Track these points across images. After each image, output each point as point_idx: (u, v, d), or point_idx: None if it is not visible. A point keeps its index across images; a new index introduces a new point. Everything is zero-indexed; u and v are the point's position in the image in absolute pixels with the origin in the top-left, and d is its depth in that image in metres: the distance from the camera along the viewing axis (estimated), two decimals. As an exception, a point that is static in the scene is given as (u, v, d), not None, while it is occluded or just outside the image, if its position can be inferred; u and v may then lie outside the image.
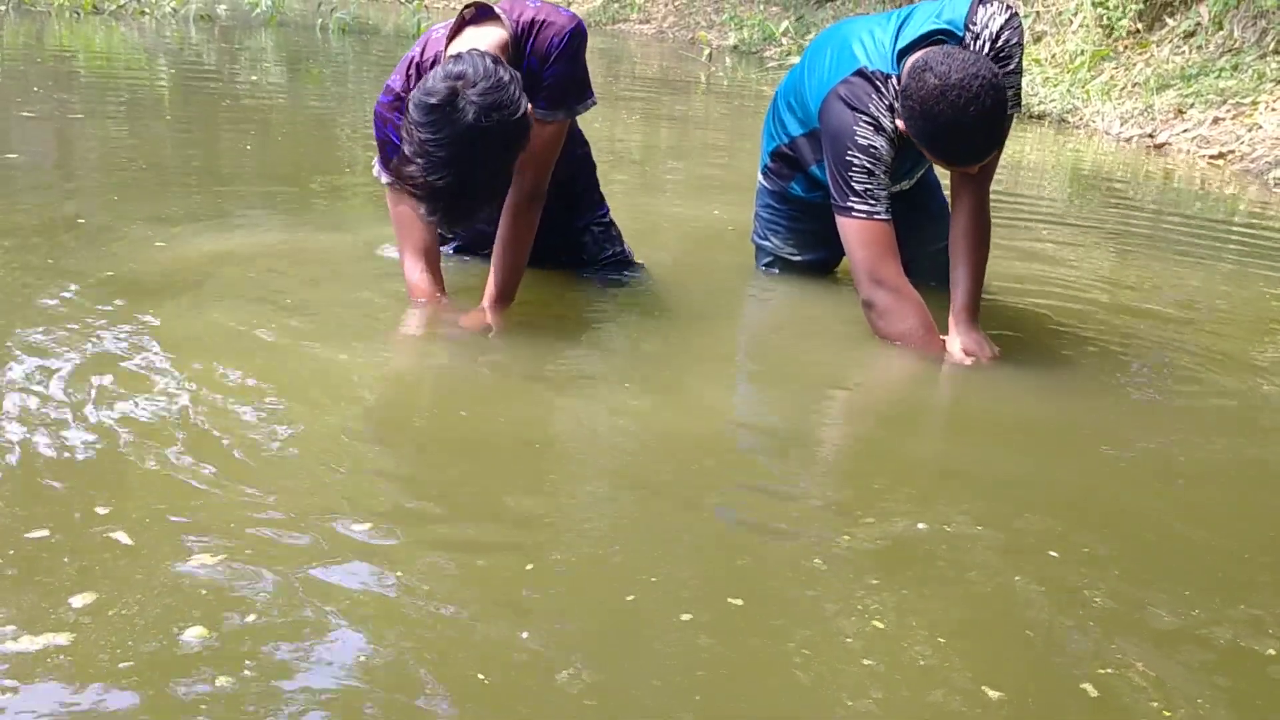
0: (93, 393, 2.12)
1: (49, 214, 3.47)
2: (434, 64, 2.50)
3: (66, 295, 2.65)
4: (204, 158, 4.85)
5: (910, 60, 2.58)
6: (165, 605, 1.48)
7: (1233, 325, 3.27)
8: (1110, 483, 2.17)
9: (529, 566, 1.66)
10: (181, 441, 1.96)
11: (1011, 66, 2.65)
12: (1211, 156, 6.49)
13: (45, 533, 1.64)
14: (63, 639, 1.39)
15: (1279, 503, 2.14)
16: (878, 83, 2.64)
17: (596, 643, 1.51)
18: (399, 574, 1.61)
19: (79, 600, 1.47)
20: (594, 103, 2.72)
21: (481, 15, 2.54)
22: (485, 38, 2.48)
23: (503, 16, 2.52)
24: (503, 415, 2.26)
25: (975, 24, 2.63)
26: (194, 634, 1.42)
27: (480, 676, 1.40)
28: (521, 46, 2.53)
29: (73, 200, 3.72)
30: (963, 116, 2.43)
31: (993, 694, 1.46)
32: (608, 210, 3.22)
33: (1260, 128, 6.47)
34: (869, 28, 2.74)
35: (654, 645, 1.52)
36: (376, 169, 2.74)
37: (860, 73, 2.67)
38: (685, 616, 1.58)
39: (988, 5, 2.65)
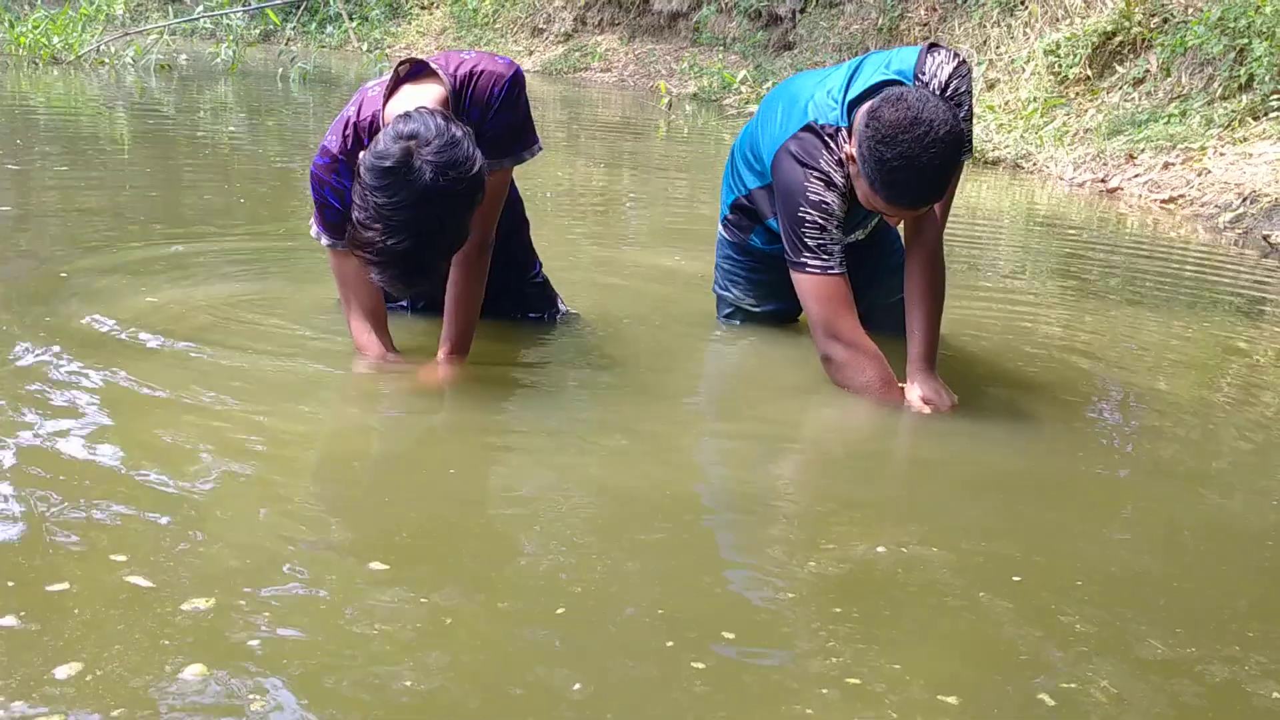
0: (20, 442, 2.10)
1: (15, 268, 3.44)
2: (371, 123, 2.44)
3: (23, 348, 2.62)
4: (163, 208, 4.82)
5: (866, 105, 2.58)
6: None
7: (1187, 369, 3.33)
8: (1069, 519, 2.21)
9: (502, 606, 1.66)
10: (123, 497, 1.93)
11: (962, 113, 2.68)
12: (1163, 201, 6.61)
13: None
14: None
15: (1235, 542, 2.17)
16: (827, 137, 2.67)
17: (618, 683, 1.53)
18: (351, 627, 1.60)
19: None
20: (540, 148, 2.69)
21: (417, 71, 2.49)
22: (425, 95, 2.42)
23: (439, 71, 2.47)
24: (463, 471, 2.25)
25: (925, 73, 2.66)
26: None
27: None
28: (461, 99, 2.49)
29: (29, 256, 3.69)
30: (921, 156, 2.42)
31: (950, 700, 1.51)
32: (540, 266, 3.22)
33: (1209, 172, 6.60)
34: (818, 81, 2.77)
35: (660, 684, 1.54)
36: (315, 231, 2.66)
37: (809, 127, 2.69)
38: (670, 643, 1.61)
39: (935, 54, 2.68)
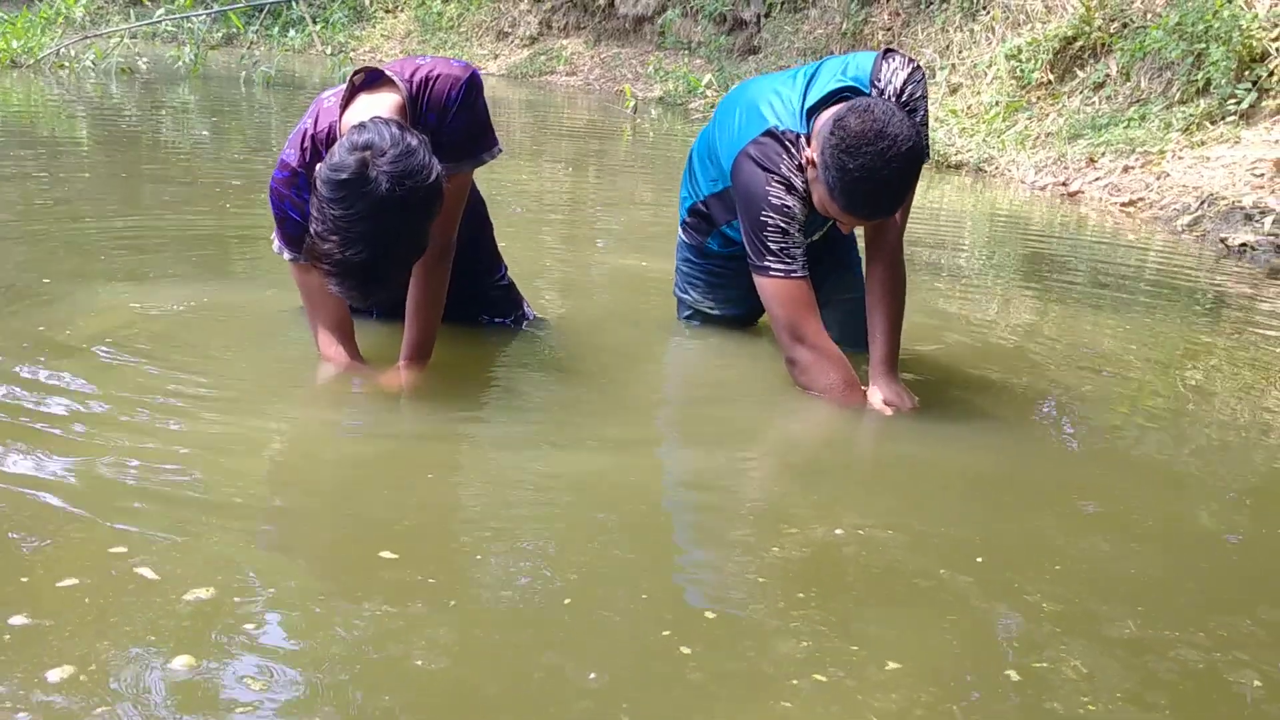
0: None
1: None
2: (329, 134, 2.42)
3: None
4: (124, 214, 4.78)
5: (827, 113, 2.60)
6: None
7: (1147, 367, 3.36)
8: (1027, 509, 2.27)
9: (505, 595, 1.65)
10: (85, 504, 1.92)
11: (918, 119, 2.70)
12: (1123, 204, 6.68)
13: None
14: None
15: (1193, 532, 2.22)
16: (788, 143, 2.67)
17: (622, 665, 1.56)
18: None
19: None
20: (499, 150, 2.67)
21: (372, 80, 2.47)
22: (381, 104, 2.40)
23: (395, 79, 2.45)
24: (427, 478, 2.25)
25: (880, 80, 2.68)
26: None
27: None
28: (418, 104, 2.47)
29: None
30: (883, 169, 2.43)
31: (915, 679, 1.55)
32: (505, 270, 3.21)
33: (1168, 175, 6.68)
34: (775, 87, 2.77)
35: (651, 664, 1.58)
36: (276, 245, 2.64)
37: (770, 133, 2.69)
38: (665, 632, 1.66)
39: (890, 60, 2.70)
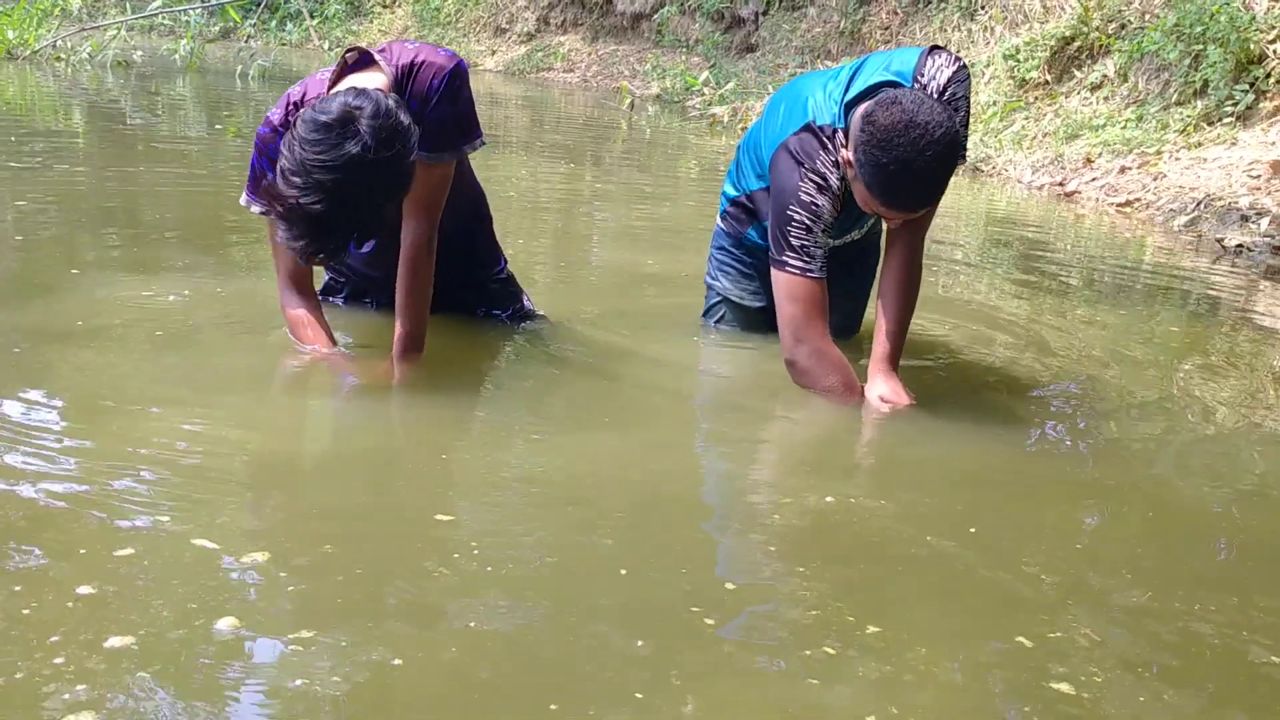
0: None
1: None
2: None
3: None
4: (122, 206, 4.77)
5: (865, 105, 2.55)
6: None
7: (1141, 365, 3.36)
8: (1018, 492, 2.33)
9: (551, 560, 1.66)
10: (67, 498, 1.91)
11: (959, 118, 2.65)
12: (1119, 204, 6.68)
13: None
14: None
15: (1184, 514, 2.27)
16: (825, 138, 2.65)
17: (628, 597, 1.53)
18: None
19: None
20: (483, 142, 2.67)
21: (363, 62, 2.49)
22: (368, 83, 2.39)
23: (382, 63, 2.47)
24: (418, 472, 2.25)
25: (924, 75, 2.63)
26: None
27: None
28: (403, 89, 2.48)
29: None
30: (917, 160, 2.40)
31: (925, 649, 1.54)
32: (505, 263, 3.21)
33: (1165, 176, 6.69)
34: (823, 82, 2.75)
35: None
36: (245, 199, 2.64)
37: (809, 127, 2.67)
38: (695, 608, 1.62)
39: (936, 57, 2.65)
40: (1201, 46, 7.18)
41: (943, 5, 10.55)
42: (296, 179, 2.14)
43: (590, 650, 1.57)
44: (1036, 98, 8.57)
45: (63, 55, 11.89)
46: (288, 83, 12.06)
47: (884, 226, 3.20)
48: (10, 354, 2.60)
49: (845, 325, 3.16)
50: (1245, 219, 5.80)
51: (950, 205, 6.77)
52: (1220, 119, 6.95)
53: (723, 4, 14.36)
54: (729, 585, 1.79)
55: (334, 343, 2.71)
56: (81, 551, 1.71)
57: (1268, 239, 5.49)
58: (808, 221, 2.68)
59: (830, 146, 2.65)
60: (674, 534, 2.01)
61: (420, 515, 1.97)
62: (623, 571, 1.81)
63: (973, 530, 2.04)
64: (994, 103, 8.69)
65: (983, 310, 3.98)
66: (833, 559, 1.92)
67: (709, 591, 1.76)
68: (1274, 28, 6.94)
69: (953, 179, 2.61)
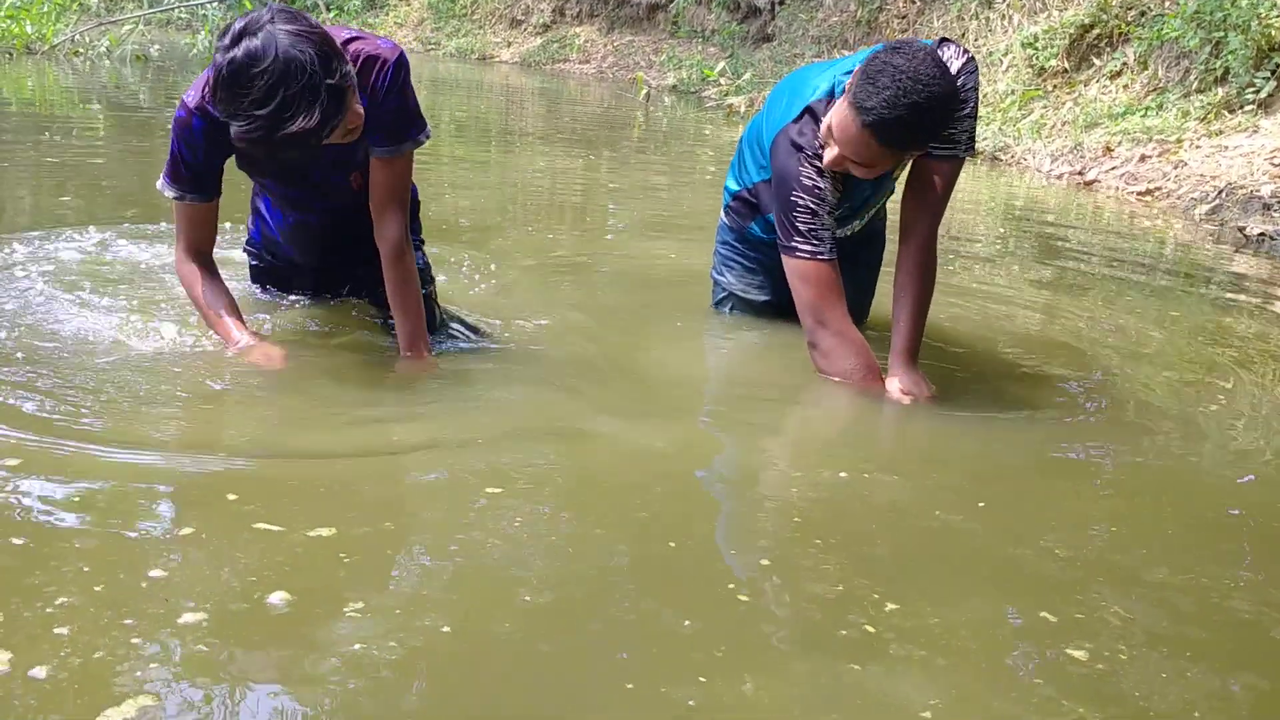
0: None
1: None
2: None
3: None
4: (140, 188, 4.79)
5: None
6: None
7: (1161, 356, 3.34)
8: (1048, 480, 2.34)
9: (527, 598, 1.67)
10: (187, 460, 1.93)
11: (966, 110, 2.65)
12: (1140, 193, 6.65)
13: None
14: None
15: (1200, 497, 2.28)
16: (820, 115, 2.65)
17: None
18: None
19: None
20: (428, 135, 2.63)
21: None
22: None
23: None
24: (519, 440, 2.30)
25: None
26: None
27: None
28: None
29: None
30: (914, 85, 2.39)
31: (953, 621, 1.54)
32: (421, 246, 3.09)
33: (1185, 164, 6.64)
34: (825, 70, 2.76)
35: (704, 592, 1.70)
36: (161, 182, 2.58)
37: (808, 109, 2.68)
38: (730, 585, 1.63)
39: (945, 49, 2.64)
40: (1222, 33, 7.13)
41: (960, -6, 10.49)
42: (226, 90, 2.14)
43: (640, 627, 1.60)
44: (1055, 86, 8.53)
45: (80, 50, 11.94)
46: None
47: (886, 216, 3.20)
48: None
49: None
50: (1267, 207, 5.76)
51: (969, 195, 6.74)
52: (1241, 106, 6.90)
53: (739, -6, 14.32)
54: (764, 561, 1.84)
55: (243, 322, 2.66)
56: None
57: (1290, 227, 5.45)
58: (812, 205, 2.68)
59: (823, 119, 2.63)
60: (708, 511, 2.08)
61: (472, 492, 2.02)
62: (671, 544, 1.85)
63: (987, 509, 2.08)
64: (1012, 91, 8.65)
65: (1000, 299, 3.96)
66: (854, 537, 1.95)
67: (745, 571, 1.80)
68: (1296, 14, 6.88)
69: (970, 168, 2.59)
